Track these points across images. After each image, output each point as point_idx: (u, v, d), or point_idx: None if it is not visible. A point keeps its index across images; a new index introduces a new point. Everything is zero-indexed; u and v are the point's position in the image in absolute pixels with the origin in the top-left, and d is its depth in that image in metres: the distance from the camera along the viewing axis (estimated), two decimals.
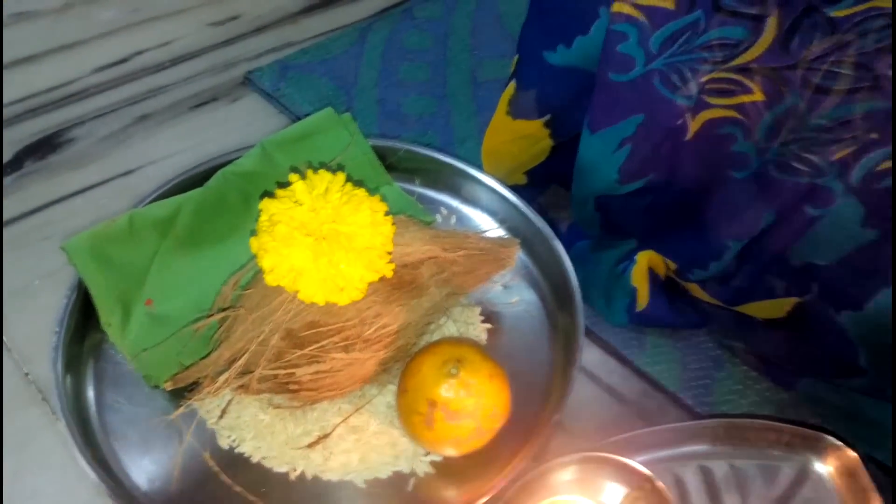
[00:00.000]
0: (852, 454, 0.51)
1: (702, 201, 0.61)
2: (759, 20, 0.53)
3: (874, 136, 0.51)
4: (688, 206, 0.62)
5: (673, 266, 0.66)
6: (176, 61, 0.94)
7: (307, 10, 1.04)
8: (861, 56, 0.50)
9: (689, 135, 0.58)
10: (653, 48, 0.56)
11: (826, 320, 0.59)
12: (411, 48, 0.99)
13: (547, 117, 0.67)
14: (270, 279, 0.46)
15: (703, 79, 0.55)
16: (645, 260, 0.67)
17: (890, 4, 0.51)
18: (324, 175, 0.48)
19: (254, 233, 0.48)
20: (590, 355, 0.64)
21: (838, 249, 0.55)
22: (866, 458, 0.54)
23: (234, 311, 0.50)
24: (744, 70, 0.54)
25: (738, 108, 0.55)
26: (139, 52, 0.94)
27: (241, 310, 0.50)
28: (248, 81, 0.92)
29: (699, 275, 0.63)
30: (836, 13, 0.51)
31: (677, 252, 0.65)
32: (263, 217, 0.47)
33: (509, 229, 0.65)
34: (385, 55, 0.97)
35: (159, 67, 0.93)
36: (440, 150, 0.68)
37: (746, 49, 0.53)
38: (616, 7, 0.56)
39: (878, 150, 0.51)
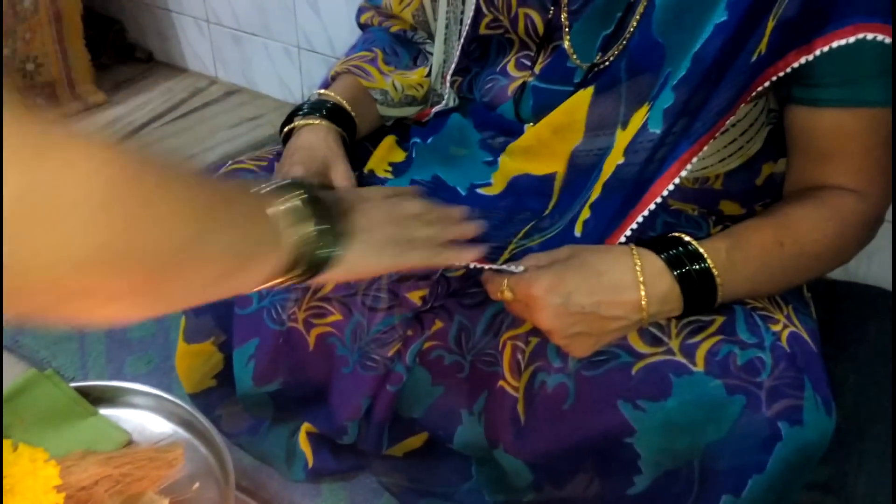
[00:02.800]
0: None
1: (327, 392, 0.84)
2: None
3: (410, 333, 0.76)
4: (320, 396, 0.85)
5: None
6: None
7: None
8: (390, 284, 0.76)
9: (311, 346, 0.82)
10: (263, 291, 0.80)
11: (447, 445, 0.83)
12: None
13: (212, 339, 0.89)
14: None
15: (293, 310, 0.79)
16: (304, 430, 0.89)
17: None
18: None
19: None
20: None
21: (423, 404, 0.80)
22: None
23: None
24: (326, 299, 0.79)
25: (333, 324, 0.80)
26: None
27: None
28: None
29: (342, 442, 0.86)
30: None
31: (323, 427, 0.87)
32: None
33: (187, 429, 0.85)
34: None
35: None
36: (132, 375, 0.88)
37: (322, 286, 0.79)
38: None
39: (418, 340, 0.76)
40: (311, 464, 0.88)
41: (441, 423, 0.80)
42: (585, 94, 0.76)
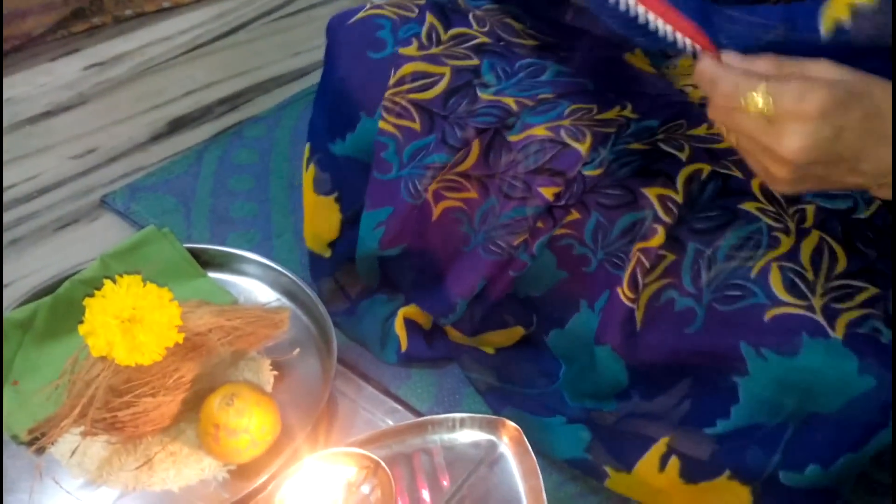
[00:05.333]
0: (516, 429, 0.75)
1: (442, 268, 0.85)
2: (465, 146, 0.77)
3: (540, 225, 0.76)
4: (434, 270, 0.85)
5: (429, 315, 0.90)
6: (42, 192, 1.15)
7: (154, 139, 1.27)
8: (526, 175, 0.76)
9: (435, 217, 0.82)
10: (404, 159, 0.80)
11: (540, 344, 0.84)
12: (239, 163, 1.22)
13: (335, 194, 0.90)
14: (94, 352, 0.67)
15: (427, 183, 0.79)
16: (402, 315, 0.90)
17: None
18: (126, 278, 0.70)
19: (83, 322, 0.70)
20: (358, 388, 0.87)
21: (545, 285, 0.79)
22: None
23: (72, 376, 0.71)
24: (465, 175, 0.79)
25: (464, 200, 0.80)
26: (11, 186, 1.15)
27: (78, 375, 0.71)
28: (104, 204, 1.13)
29: (444, 321, 0.87)
30: (512, 137, 0.77)
31: (428, 306, 0.88)
32: (87, 309, 0.68)
33: (291, 299, 0.88)
34: (217, 171, 1.20)
35: (28, 198, 1.14)
36: (236, 248, 0.91)
37: (461, 162, 0.78)
38: (381, 124, 0.80)
39: (547, 233, 0.76)
40: (404, 347, 0.89)
41: (559, 307, 0.79)
42: None
